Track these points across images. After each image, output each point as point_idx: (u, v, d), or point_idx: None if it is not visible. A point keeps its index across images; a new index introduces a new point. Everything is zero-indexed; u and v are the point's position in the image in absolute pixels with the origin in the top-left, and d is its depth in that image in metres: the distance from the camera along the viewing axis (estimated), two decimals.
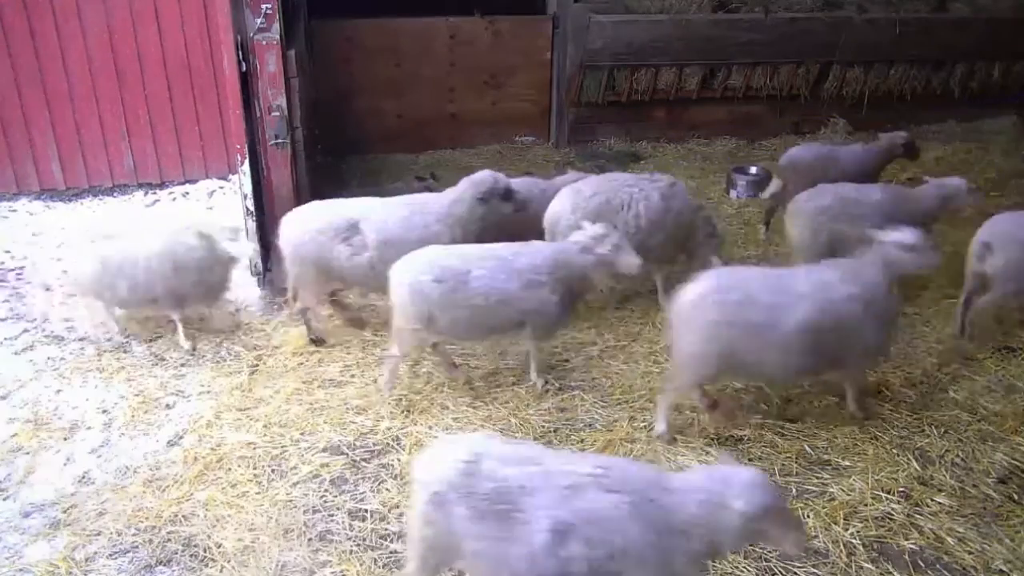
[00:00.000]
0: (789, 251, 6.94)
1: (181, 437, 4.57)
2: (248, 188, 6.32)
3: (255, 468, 4.30)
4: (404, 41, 9.42)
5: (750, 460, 4.35)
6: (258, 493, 4.12)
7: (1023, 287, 5.11)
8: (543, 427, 4.63)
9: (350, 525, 3.92)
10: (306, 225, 5.23)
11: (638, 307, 5.98)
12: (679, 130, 10.05)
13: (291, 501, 4.07)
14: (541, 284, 4.59)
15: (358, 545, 3.79)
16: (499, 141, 9.98)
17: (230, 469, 4.29)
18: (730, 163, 9.11)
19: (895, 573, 3.64)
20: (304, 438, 4.55)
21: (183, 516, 3.97)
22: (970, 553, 3.74)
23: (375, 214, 5.25)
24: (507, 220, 5.52)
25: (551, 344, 5.32)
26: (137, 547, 3.79)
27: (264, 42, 5.85)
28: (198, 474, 4.24)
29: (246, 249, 5.45)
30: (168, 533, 3.86)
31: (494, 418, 4.70)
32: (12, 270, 6.31)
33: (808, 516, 3.95)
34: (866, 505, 4.01)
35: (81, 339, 5.52)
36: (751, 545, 3.61)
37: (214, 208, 7.06)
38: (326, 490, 4.16)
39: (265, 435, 4.55)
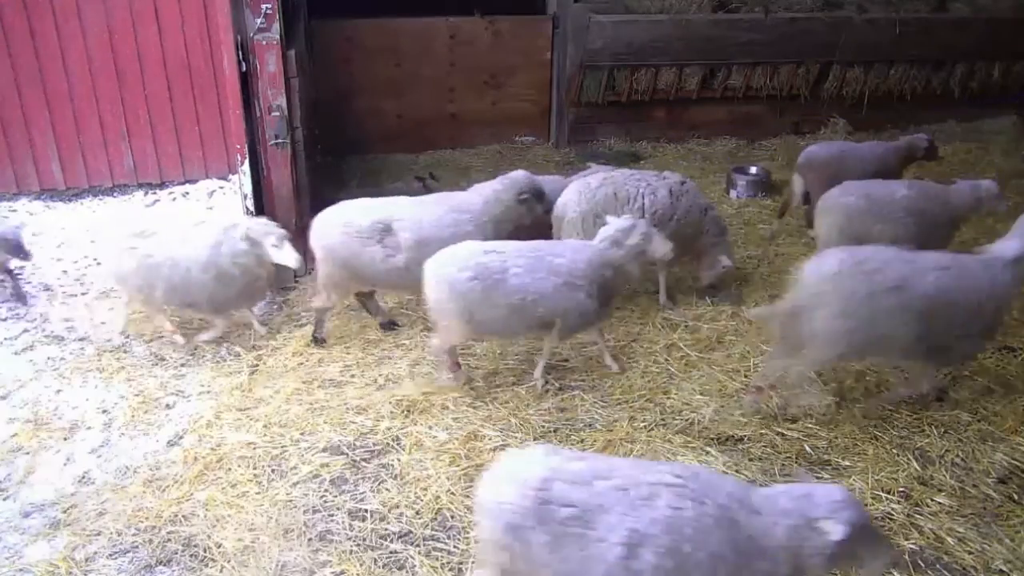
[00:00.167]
0: (790, 251, 6.98)
1: (181, 437, 4.57)
2: (248, 188, 6.33)
3: (255, 468, 4.30)
4: (404, 41, 9.42)
5: (750, 460, 4.35)
6: (258, 493, 4.12)
7: None
8: (543, 427, 4.63)
9: (350, 525, 3.92)
10: (340, 226, 5.19)
11: (638, 307, 5.99)
12: (679, 130, 10.06)
13: (291, 501, 4.07)
14: (578, 287, 4.60)
15: (358, 545, 3.79)
16: (499, 141, 9.99)
17: (230, 469, 4.29)
18: (730, 163, 9.12)
19: (895, 573, 3.64)
20: (304, 438, 4.55)
21: (183, 516, 3.96)
22: (970, 553, 3.74)
23: (408, 214, 5.22)
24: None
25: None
26: (137, 547, 3.79)
27: (264, 42, 5.85)
28: (198, 474, 4.24)
29: (290, 259, 5.07)
30: (168, 533, 3.86)
31: (494, 418, 4.70)
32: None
33: None
34: (866, 505, 3.99)
35: (81, 339, 5.52)
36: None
37: (214, 208, 7.06)
38: (326, 490, 4.16)
39: (265, 435, 4.55)
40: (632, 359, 5.33)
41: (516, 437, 4.52)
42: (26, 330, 5.64)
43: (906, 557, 3.73)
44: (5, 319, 5.79)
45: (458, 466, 4.29)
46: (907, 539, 3.82)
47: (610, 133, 9.95)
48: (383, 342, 5.54)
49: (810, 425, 4.62)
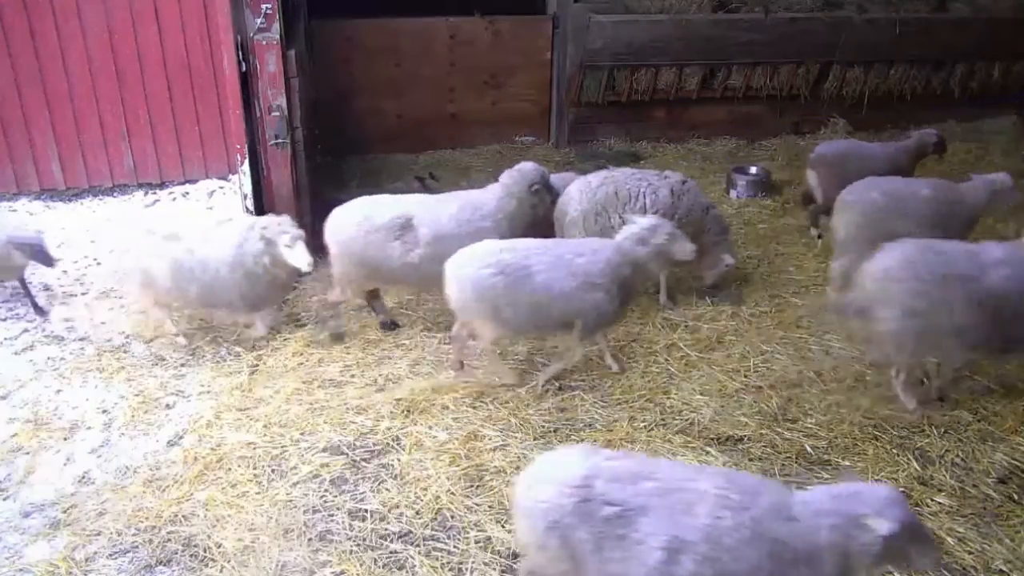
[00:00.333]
0: (790, 251, 6.98)
1: (181, 437, 4.57)
2: (248, 188, 6.33)
3: (255, 468, 4.30)
4: (404, 41, 9.42)
5: (750, 460, 4.35)
6: (258, 493, 4.12)
7: None
8: (543, 427, 4.63)
9: (350, 525, 3.92)
10: (358, 223, 5.18)
11: (638, 307, 5.98)
12: (679, 130, 10.06)
13: (291, 501, 4.07)
14: (597, 287, 4.60)
15: (358, 545, 3.79)
16: (499, 141, 9.99)
17: (230, 469, 4.28)
18: (730, 163, 9.12)
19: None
20: (304, 438, 4.55)
21: (183, 516, 3.96)
22: (970, 553, 3.74)
23: (425, 211, 5.23)
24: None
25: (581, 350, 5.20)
26: (137, 547, 3.79)
27: (264, 42, 5.86)
28: (198, 474, 4.24)
29: (301, 260, 4.99)
30: (168, 533, 3.86)
31: (494, 418, 4.70)
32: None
33: None
34: None
35: (81, 339, 5.52)
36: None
37: (214, 208, 7.06)
38: (326, 490, 4.16)
39: (265, 435, 4.55)
40: (632, 359, 5.33)
41: (516, 437, 4.52)
42: (26, 330, 5.64)
43: None
44: (5, 319, 5.79)
45: (458, 466, 4.29)
46: None
47: (610, 133, 9.95)
48: (383, 342, 5.53)
49: (810, 425, 4.62)
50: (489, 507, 4.01)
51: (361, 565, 3.65)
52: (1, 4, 6.31)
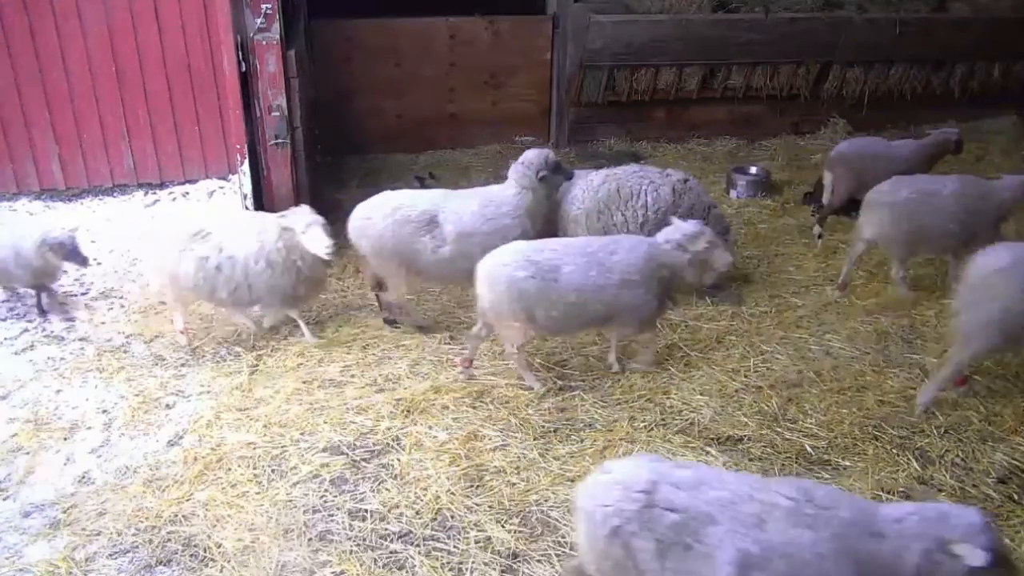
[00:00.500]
0: (790, 251, 6.97)
1: (181, 437, 4.57)
2: (248, 188, 6.33)
3: (255, 468, 4.30)
4: (404, 41, 9.42)
5: (750, 460, 4.35)
6: (258, 493, 4.12)
7: None
8: (543, 427, 4.63)
9: (350, 525, 3.92)
10: (386, 218, 5.18)
11: None
12: (679, 130, 10.06)
13: (291, 501, 4.07)
14: (635, 283, 4.59)
15: (358, 545, 3.79)
16: (499, 141, 9.98)
17: (230, 469, 4.29)
18: (730, 163, 9.12)
19: None
20: (304, 438, 4.55)
21: (183, 516, 3.96)
22: None
23: (449, 206, 5.25)
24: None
25: (653, 336, 5.19)
26: (137, 547, 3.79)
27: (264, 42, 5.86)
28: (198, 474, 4.24)
29: (318, 245, 4.93)
30: (168, 533, 3.86)
31: (494, 418, 4.70)
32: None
33: None
34: None
35: (81, 339, 5.53)
36: None
37: (214, 208, 7.07)
38: (326, 490, 4.16)
39: (265, 435, 4.55)
40: (632, 359, 5.32)
41: (516, 437, 4.52)
42: (26, 330, 5.64)
43: None
44: (5, 319, 5.79)
45: (458, 466, 4.29)
46: None
47: (610, 133, 9.95)
48: (383, 342, 5.53)
49: (810, 425, 4.62)
50: (489, 507, 4.01)
51: (361, 565, 3.65)
52: (1, 4, 6.31)
